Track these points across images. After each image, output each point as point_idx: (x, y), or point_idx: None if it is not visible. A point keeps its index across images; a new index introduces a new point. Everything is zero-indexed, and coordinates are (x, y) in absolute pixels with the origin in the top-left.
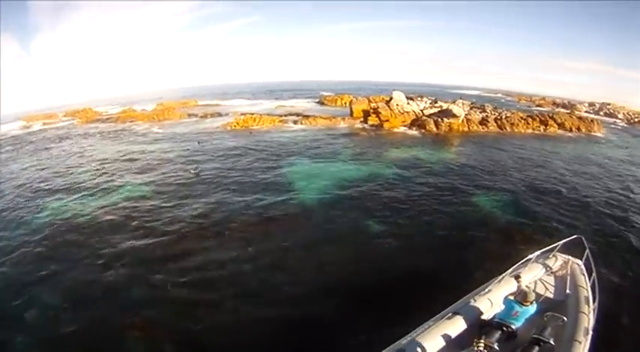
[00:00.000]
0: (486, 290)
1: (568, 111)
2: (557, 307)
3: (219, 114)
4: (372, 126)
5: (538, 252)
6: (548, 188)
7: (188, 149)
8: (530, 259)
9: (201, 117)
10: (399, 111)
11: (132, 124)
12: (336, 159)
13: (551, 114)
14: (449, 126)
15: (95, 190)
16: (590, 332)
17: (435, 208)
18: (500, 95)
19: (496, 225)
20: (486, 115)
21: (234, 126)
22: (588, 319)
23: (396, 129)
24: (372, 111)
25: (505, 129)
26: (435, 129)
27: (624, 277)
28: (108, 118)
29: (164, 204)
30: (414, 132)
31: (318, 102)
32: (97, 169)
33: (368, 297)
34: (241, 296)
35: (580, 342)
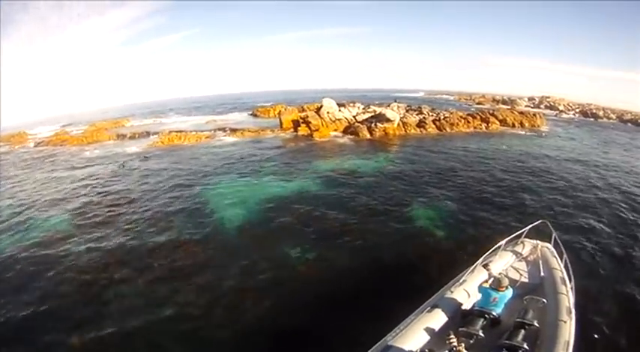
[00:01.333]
0: (460, 280)
1: (508, 107)
2: (535, 290)
3: (148, 134)
4: (302, 136)
5: (505, 240)
6: (494, 186)
7: (109, 173)
8: (499, 247)
9: (130, 137)
10: (330, 119)
11: (61, 148)
12: (260, 175)
13: (491, 112)
14: (384, 131)
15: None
16: (573, 311)
17: (370, 227)
18: (439, 96)
19: (441, 235)
20: (424, 117)
21: (160, 144)
22: (568, 298)
23: (327, 139)
24: (301, 121)
25: (444, 129)
26: (368, 135)
27: (592, 257)
28: (40, 142)
29: (76, 239)
30: (346, 140)
31: (251, 115)
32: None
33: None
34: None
35: (565, 322)
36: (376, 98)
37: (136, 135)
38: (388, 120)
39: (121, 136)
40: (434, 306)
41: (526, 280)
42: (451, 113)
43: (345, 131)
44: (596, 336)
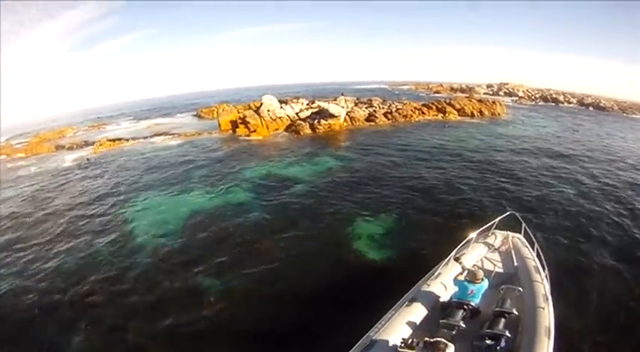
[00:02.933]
0: (435, 274)
1: (466, 95)
2: (510, 280)
3: (86, 143)
4: (239, 137)
5: (476, 232)
6: (448, 183)
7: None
8: (470, 240)
9: (68, 148)
10: (271, 117)
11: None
12: (185, 186)
13: (448, 101)
14: (328, 127)
15: None
16: (549, 298)
17: (302, 247)
18: (400, 87)
19: (381, 251)
20: (374, 110)
21: (93, 154)
22: (543, 286)
23: (265, 139)
24: (239, 121)
25: (397, 121)
26: (311, 132)
27: (560, 245)
28: None
29: None
30: (286, 139)
31: (195, 116)
32: None
33: None
34: None
35: (543, 308)
36: (332, 91)
37: (75, 146)
38: (332, 115)
39: (60, 147)
40: (412, 300)
41: (500, 270)
42: (404, 104)
43: (287, 129)
44: (573, 320)
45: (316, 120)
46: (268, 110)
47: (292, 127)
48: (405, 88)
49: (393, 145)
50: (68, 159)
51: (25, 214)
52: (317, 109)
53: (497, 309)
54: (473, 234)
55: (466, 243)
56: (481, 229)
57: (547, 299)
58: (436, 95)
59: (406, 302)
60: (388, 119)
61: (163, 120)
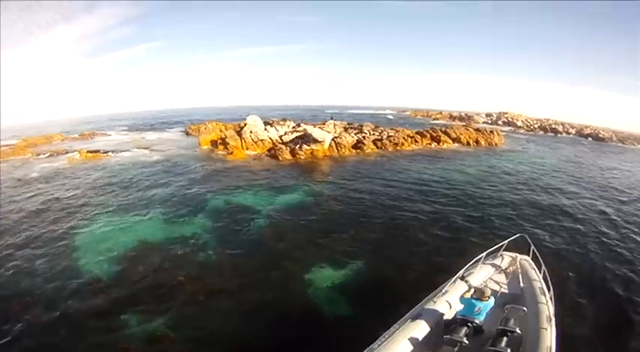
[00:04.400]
0: (442, 291)
1: (464, 124)
2: (515, 300)
3: (66, 152)
4: (215, 158)
5: (485, 253)
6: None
7: None
8: (478, 260)
9: (48, 156)
10: (253, 139)
11: None
12: (145, 210)
13: (444, 129)
14: (310, 153)
15: None
16: (553, 319)
17: (246, 295)
18: (389, 112)
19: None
20: (363, 137)
21: (67, 164)
22: (548, 307)
23: (241, 162)
24: (219, 141)
25: (387, 149)
26: (290, 158)
27: (567, 268)
28: None
29: None
30: (263, 163)
31: (183, 132)
32: None
33: None
34: None
35: (546, 329)
36: (324, 115)
37: (55, 154)
38: (316, 141)
39: (40, 154)
40: (417, 316)
41: (506, 290)
42: (397, 131)
43: (268, 152)
44: (575, 342)
45: (298, 145)
46: (251, 132)
47: (272, 151)
48: (405, 114)
49: (376, 178)
50: (38, 168)
51: None
52: (302, 133)
53: (501, 328)
54: (482, 255)
55: (474, 263)
56: (490, 250)
57: (550, 320)
58: (434, 122)
59: (410, 318)
60: (377, 147)
61: (151, 135)
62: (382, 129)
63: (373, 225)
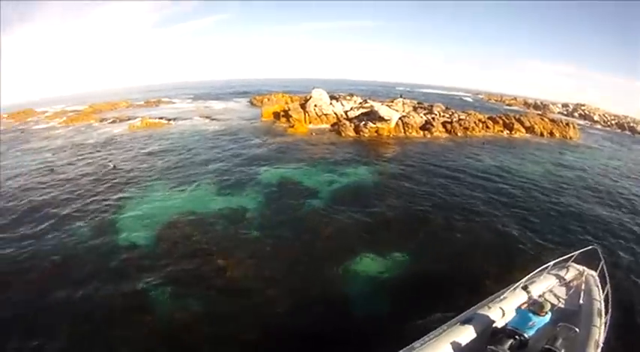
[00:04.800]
0: (499, 298)
1: (539, 113)
2: (570, 318)
3: (128, 119)
4: (277, 131)
5: (552, 262)
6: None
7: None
8: (545, 268)
9: (111, 121)
10: (317, 113)
11: (44, 128)
12: (196, 181)
13: (518, 116)
14: (375, 131)
15: None
16: (601, 345)
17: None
18: (463, 93)
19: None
20: (432, 118)
21: (128, 131)
22: (599, 332)
23: (302, 136)
24: (282, 113)
25: (456, 134)
26: (354, 135)
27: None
28: (37, 120)
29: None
30: (323, 140)
31: (249, 103)
32: None
33: None
34: None
35: None
36: (394, 93)
37: (117, 120)
38: (382, 119)
39: (104, 120)
40: (466, 320)
41: (562, 306)
42: (468, 115)
43: (331, 127)
44: None
45: (363, 122)
46: (316, 105)
47: (335, 126)
48: (479, 97)
49: (439, 165)
50: (97, 134)
51: (15, 185)
52: (368, 110)
53: (547, 346)
54: (550, 263)
55: (540, 271)
56: (558, 260)
57: (597, 347)
58: (507, 108)
59: (459, 322)
60: (446, 130)
61: (215, 104)
62: (453, 111)
63: (427, 218)
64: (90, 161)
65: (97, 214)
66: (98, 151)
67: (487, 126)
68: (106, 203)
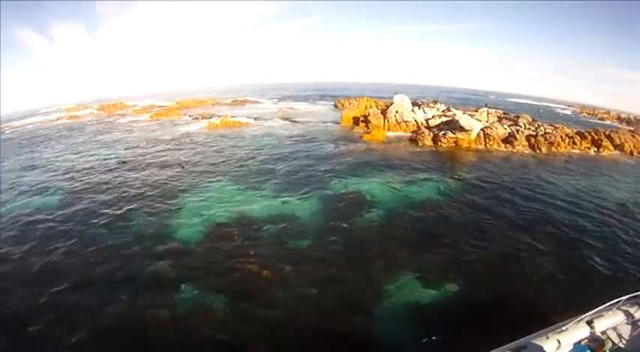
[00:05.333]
0: (559, 330)
1: (632, 129)
2: None
3: (210, 117)
4: (354, 136)
5: (626, 297)
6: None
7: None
8: (616, 303)
9: (194, 118)
10: (397, 119)
11: (129, 121)
12: (262, 181)
13: (608, 132)
14: (454, 142)
15: None
16: None
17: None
18: (555, 105)
19: None
20: (516, 130)
21: (206, 130)
22: None
23: (378, 143)
24: (361, 119)
25: (539, 148)
26: (431, 145)
27: None
28: (124, 114)
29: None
30: (398, 148)
31: (333, 106)
32: None
33: None
34: None
35: None
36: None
37: (199, 117)
38: (462, 129)
39: (187, 116)
40: (518, 349)
41: (623, 346)
42: (555, 128)
43: (410, 135)
44: None
45: (442, 132)
46: (397, 112)
47: (413, 134)
48: (558, 108)
49: (515, 186)
50: (176, 130)
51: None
52: (450, 118)
53: None
54: (621, 298)
55: (609, 306)
56: (630, 295)
57: None
58: (598, 122)
59: (511, 349)
60: (530, 144)
61: (299, 106)
62: (540, 123)
63: (489, 244)
64: (161, 157)
65: (156, 206)
66: (170, 148)
67: (574, 142)
68: (167, 197)
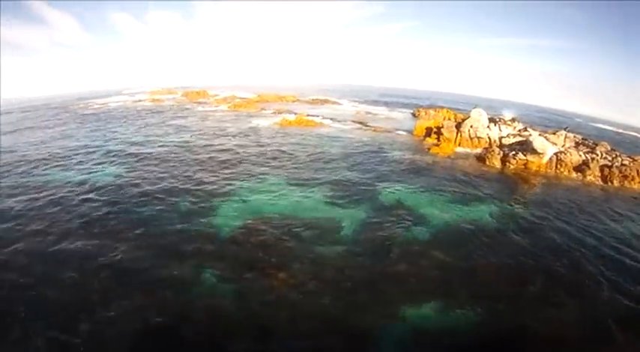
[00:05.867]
0: None
1: None
2: None
3: (288, 112)
4: (423, 148)
5: None
6: None
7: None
8: None
9: (273, 113)
10: (470, 135)
11: (207, 110)
12: (303, 188)
13: None
14: (524, 164)
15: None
16: None
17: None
18: None
19: None
20: (592, 158)
21: (276, 126)
22: None
23: (445, 158)
24: (434, 130)
25: (611, 181)
26: (498, 164)
27: None
28: (208, 103)
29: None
30: (465, 165)
31: (412, 114)
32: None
33: None
34: None
35: None
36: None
37: (277, 112)
38: (534, 151)
39: (263, 109)
40: None
41: None
42: (634, 161)
43: (480, 153)
44: None
45: (513, 152)
46: (471, 126)
47: (483, 152)
48: None
49: (573, 221)
50: (248, 122)
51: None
52: (525, 139)
53: None
54: None
55: None
56: None
57: None
58: None
59: None
60: (602, 175)
61: (378, 110)
62: (617, 153)
63: (523, 281)
64: (221, 146)
65: (202, 194)
66: (234, 139)
67: None
68: (214, 186)
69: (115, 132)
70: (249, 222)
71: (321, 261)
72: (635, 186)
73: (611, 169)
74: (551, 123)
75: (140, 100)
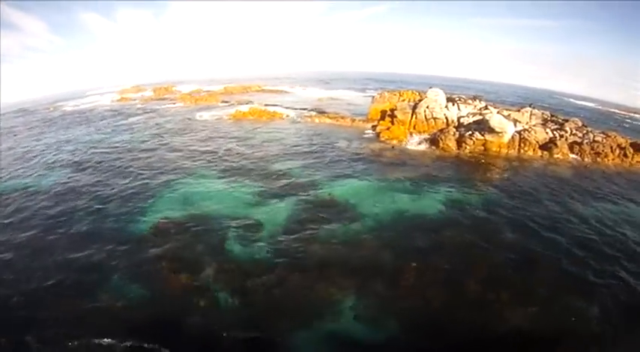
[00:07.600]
0: None
1: None
2: None
3: (247, 103)
4: (372, 133)
5: None
6: None
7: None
8: None
9: (230, 105)
10: (426, 116)
11: (169, 106)
12: (233, 180)
13: None
14: (482, 145)
15: None
16: None
17: None
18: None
19: None
20: (560, 135)
21: (230, 118)
22: None
23: (395, 143)
24: (388, 113)
25: (583, 160)
26: (453, 147)
27: None
28: (173, 98)
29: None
30: (418, 149)
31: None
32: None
33: None
34: None
35: None
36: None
37: (235, 103)
38: (492, 130)
39: (225, 102)
40: None
41: None
42: (607, 137)
43: (432, 136)
44: None
45: (469, 132)
46: (427, 107)
47: (435, 135)
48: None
49: (535, 209)
50: (196, 116)
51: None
52: (482, 118)
53: None
54: None
55: None
56: None
57: None
58: None
59: None
60: (573, 152)
61: (344, 95)
62: (588, 130)
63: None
64: (165, 143)
65: (137, 190)
66: (173, 135)
67: (625, 155)
68: (150, 181)
69: (68, 135)
70: (162, 221)
71: (233, 261)
72: (609, 163)
73: (582, 146)
74: (528, 101)
75: (112, 101)
